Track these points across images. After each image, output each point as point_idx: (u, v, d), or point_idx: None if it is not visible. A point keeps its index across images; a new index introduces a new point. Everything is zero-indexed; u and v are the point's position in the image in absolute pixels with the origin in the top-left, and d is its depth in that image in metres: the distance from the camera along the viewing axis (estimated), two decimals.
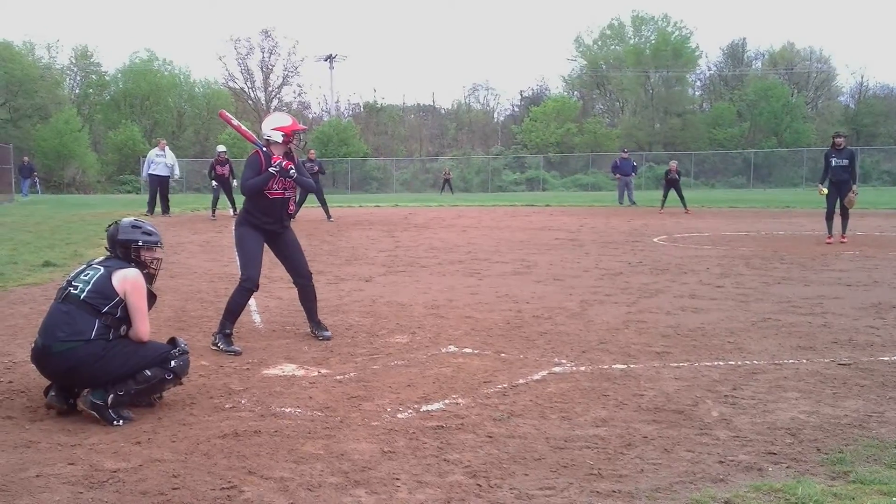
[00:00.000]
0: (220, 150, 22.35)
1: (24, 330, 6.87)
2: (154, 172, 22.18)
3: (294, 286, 6.86)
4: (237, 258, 6.63)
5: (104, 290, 4.66)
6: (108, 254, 5.00)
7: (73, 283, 4.72)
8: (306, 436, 4.23)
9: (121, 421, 4.46)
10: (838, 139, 14.95)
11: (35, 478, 3.64)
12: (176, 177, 22.64)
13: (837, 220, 14.68)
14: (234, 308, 6.37)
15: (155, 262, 5.05)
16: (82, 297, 4.62)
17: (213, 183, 22.18)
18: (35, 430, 4.35)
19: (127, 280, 4.72)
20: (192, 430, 4.33)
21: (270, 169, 6.32)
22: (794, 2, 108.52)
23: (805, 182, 49.70)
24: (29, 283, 9.47)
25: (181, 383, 4.87)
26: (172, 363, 4.69)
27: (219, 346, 6.18)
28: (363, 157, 57.98)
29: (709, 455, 3.95)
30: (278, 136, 6.39)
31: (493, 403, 4.83)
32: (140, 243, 4.95)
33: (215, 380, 5.38)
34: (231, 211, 21.81)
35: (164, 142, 23.51)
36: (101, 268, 4.78)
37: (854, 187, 14.62)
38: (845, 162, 14.59)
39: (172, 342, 4.85)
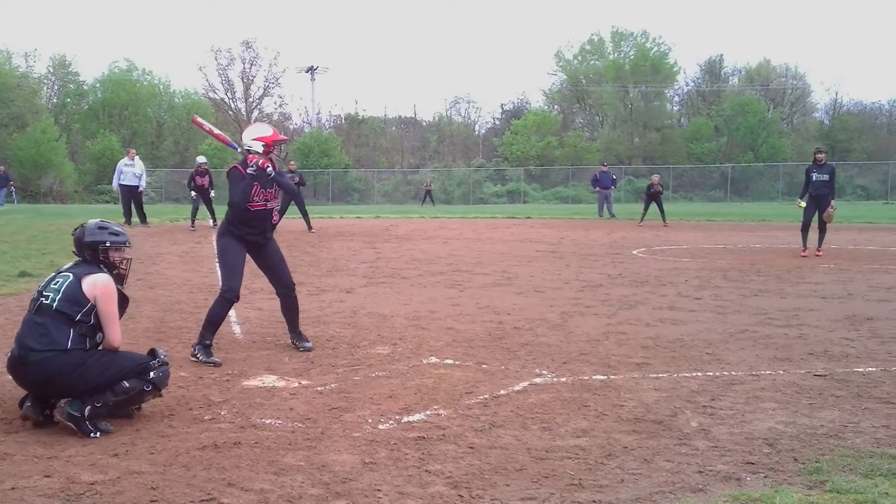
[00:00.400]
0: (200, 161, 22.23)
1: None
2: (124, 183, 21.88)
3: (276, 297, 6.84)
4: (218, 269, 6.60)
5: (75, 296, 4.62)
6: (76, 259, 4.93)
7: (44, 294, 4.67)
8: (287, 447, 4.21)
9: (98, 433, 4.42)
10: (819, 155, 15.17)
11: (10, 490, 3.60)
12: (141, 188, 22.32)
13: (813, 234, 14.83)
14: (215, 319, 6.34)
15: (124, 262, 4.98)
16: (55, 306, 4.58)
17: (193, 193, 22.06)
18: (10, 441, 4.30)
19: (97, 285, 4.67)
20: (171, 441, 4.30)
21: (248, 170, 6.28)
22: (770, 19, 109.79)
23: (781, 196, 50.22)
24: (4, 294, 9.37)
25: (160, 395, 4.83)
26: (151, 374, 4.64)
27: (198, 357, 6.15)
28: (344, 169, 57.87)
29: (688, 465, 3.98)
30: (259, 147, 6.36)
31: (475, 414, 4.84)
32: (108, 244, 4.88)
33: (195, 391, 5.35)
34: (210, 222, 21.69)
35: (134, 151, 23.20)
36: (70, 274, 4.73)
37: (833, 202, 14.81)
38: (826, 177, 14.79)
39: (152, 353, 4.79)
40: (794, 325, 7.83)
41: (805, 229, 14.94)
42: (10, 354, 4.66)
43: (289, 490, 3.63)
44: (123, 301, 4.89)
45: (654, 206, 25.28)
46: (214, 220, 21.67)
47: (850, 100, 78.85)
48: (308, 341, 6.73)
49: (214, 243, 6.69)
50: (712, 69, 72.58)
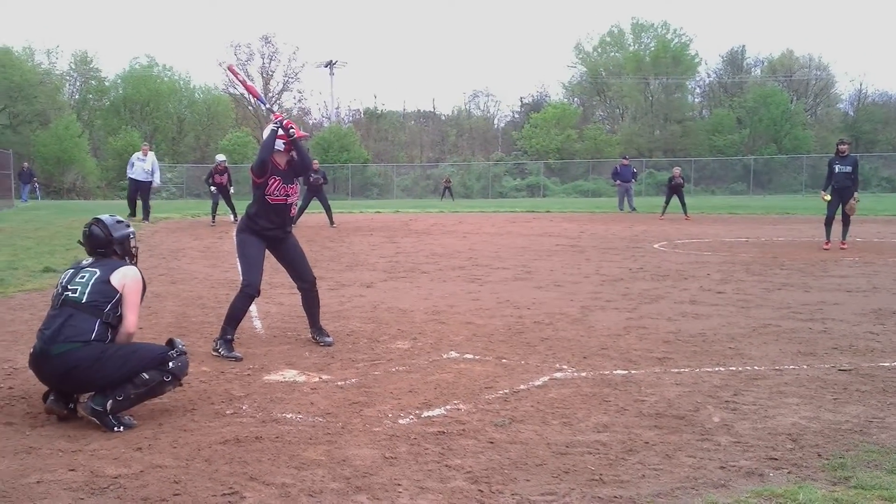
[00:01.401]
0: (219, 159, 22.30)
1: (24, 336, 6.87)
2: (132, 176, 21.76)
3: (297, 291, 6.86)
4: (238, 264, 6.63)
5: (104, 289, 4.70)
6: (93, 257, 4.99)
7: (69, 288, 4.72)
8: (308, 442, 4.23)
9: (121, 427, 4.46)
10: (842, 146, 14.98)
11: (36, 484, 3.64)
12: (155, 185, 22.19)
13: (836, 227, 14.70)
14: (236, 314, 6.37)
15: (136, 247, 5.22)
16: (84, 299, 4.64)
17: (212, 188, 22.14)
18: (36, 435, 4.35)
19: (127, 276, 4.79)
20: (193, 436, 4.33)
21: (271, 126, 6.35)
22: (793, 9, 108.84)
23: (805, 188, 49.76)
24: (29, 289, 9.46)
25: (181, 385, 4.87)
26: (170, 365, 4.67)
27: (220, 352, 6.18)
28: (364, 164, 58.01)
29: (710, 461, 3.95)
30: (280, 144, 6.39)
31: (495, 409, 4.83)
32: (132, 234, 5.12)
33: (216, 386, 5.38)
34: (231, 217, 21.81)
35: (147, 146, 23.14)
36: (97, 270, 4.81)
37: (855, 194, 14.67)
38: (848, 168, 14.62)
39: (170, 343, 4.84)
40: (819, 319, 7.76)
41: (829, 223, 14.83)
42: (32, 350, 4.71)
43: (310, 484, 3.64)
44: (143, 290, 4.98)
45: (675, 200, 25.11)
46: (235, 216, 21.75)
47: (875, 90, 78.37)
48: (329, 336, 6.74)
49: (234, 239, 6.72)
50: (734, 60, 72.04)
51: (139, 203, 21.41)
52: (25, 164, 42.27)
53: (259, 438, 4.26)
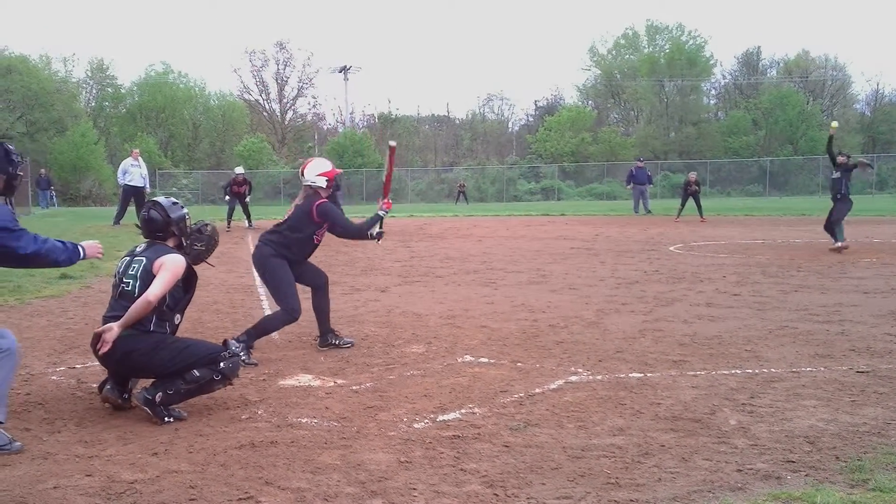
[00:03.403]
0: (238, 171, 22.37)
1: (41, 342, 6.92)
2: (130, 183, 21.72)
3: (311, 296, 6.87)
4: (272, 288, 6.67)
5: (150, 279, 4.81)
6: (148, 240, 5.12)
7: (124, 280, 4.89)
8: (323, 446, 4.23)
9: (171, 419, 4.67)
10: (841, 158, 14.55)
11: (53, 489, 3.66)
12: (148, 190, 22.25)
13: (845, 228, 14.47)
14: (268, 330, 6.53)
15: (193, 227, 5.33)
16: (136, 293, 4.77)
17: (226, 197, 22.27)
18: (53, 441, 4.37)
19: (165, 262, 4.86)
20: (208, 440, 4.35)
21: (381, 213, 6.74)
22: (808, 10, 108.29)
23: (821, 190, 49.37)
24: (46, 296, 9.54)
25: (231, 384, 4.98)
26: (221, 364, 4.82)
27: (240, 357, 6.17)
28: (378, 168, 58.04)
29: (727, 463, 3.93)
30: (322, 182, 6.63)
31: (510, 413, 4.82)
32: (188, 215, 5.20)
33: (232, 391, 5.38)
34: (246, 223, 21.89)
35: (138, 151, 23.16)
36: (144, 258, 4.94)
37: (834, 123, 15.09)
38: (838, 174, 14.45)
39: (224, 344, 5.11)
40: (836, 320, 7.71)
41: (828, 229, 14.56)
42: (94, 332, 4.79)
43: (325, 489, 3.64)
44: (193, 277, 5.09)
45: (690, 202, 25.01)
46: (250, 222, 21.84)
47: (892, 90, 77.97)
48: (346, 337, 6.90)
49: (262, 261, 6.63)
50: (750, 61, 71.74)
51: (131, 210, 21.40)
52: (43, 170, 42.57)
53: (274, 443, 4.27)
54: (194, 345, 4.93)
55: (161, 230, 5.07)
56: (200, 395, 4.89)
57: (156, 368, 4.75)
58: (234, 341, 6.01)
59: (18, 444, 4.20)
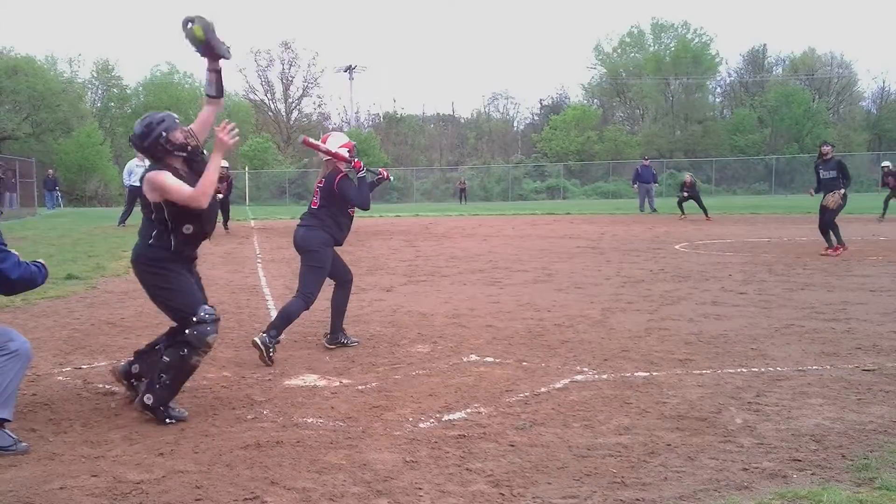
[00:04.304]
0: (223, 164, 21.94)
1: (47, 343, 6.93)
2: (135, 183, 21.49)
3: (336, 288, 6.88)
4: (308, 270, 6.51)
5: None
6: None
7: None
8: (328, 446, 4.23)
9: (172, 419, 4.64)
10: (824, 148, 13.77)
11: (59, 490, 3.66)
12: None
13: (853, 227, 14.20)
14: (291, 317, 6.46)
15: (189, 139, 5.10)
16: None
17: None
18: (58, 442, 4.38)
19: (145, 183, 4.81)
20: (214, 441, 4.35)
21: (363, 174, 6.63)
22: (814, 7, 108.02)
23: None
24: (52, 296, 9.54)
25: (204, 352, 4.77)
26: (186, 332, 4.69)
27: (270, 351, 6.16)
28: (384, 167, 58.09)
29: (733, 462, 3.92)
30: (345, 152, 6.60)
31: (515, 412, 4.82)
32: (164, 134, 4.84)
33: (237, 391, 5.40)
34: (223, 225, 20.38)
35: None
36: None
37: (842, 191, 13.35)
38: (833, 173, 13.35)
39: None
40: (842, 318, 7.69)
41: (823, 231, 13.69)
42: None
43: (330, 488, 3.64)
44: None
45: (693, 202, 24.93)
46: (226, 224, 20.73)
47: None
48: (352, 336, 6.91)
49: (314, 245, 6.50)
50: (755, 59, 71.68)
51: (136, 211, 21.29)
52: (50, 171, 42.67)
53: (280, 443, 4.27)
54: (180, 292, 4.76)
55: (143, 149, 4.92)
56: (189, 377, 4.82)
57: (149, 289, 4.82)
58: (263, 336, 6.07)
59: (24, 444, 4.20)
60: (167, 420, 4.61)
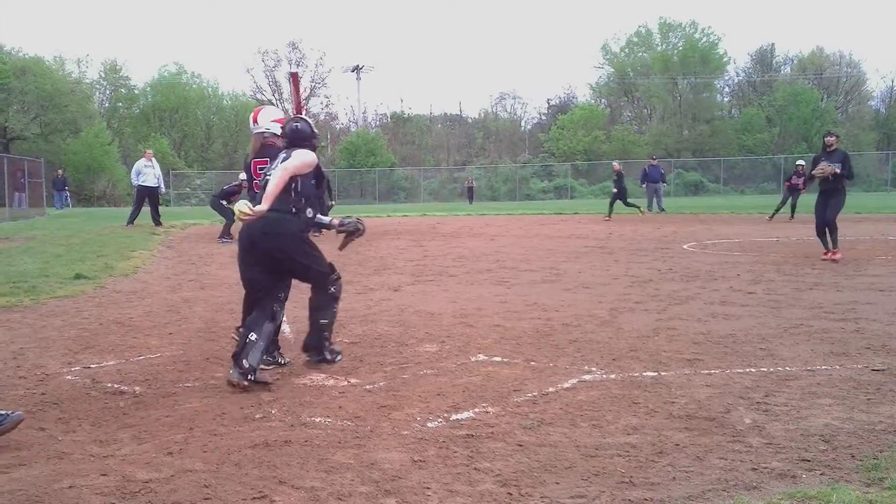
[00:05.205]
0: (242, 178, 22.14)
1: (56, 342, 6.96)
2: (144, 183, 21.73)
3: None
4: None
5: None
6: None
7: (268, 175, 5.77)
8: (336, 445, 4.24)
9: (338, 356, 6.06)
10: (829, 139, 12.86)
11: (68, 489, 3.67)
12: (163, 190, 22.31)
13: (861, 226, 14.14)
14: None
15: None
16: None
17: (224, 202, 21.83)
18: (68, 441, 4.39)
19: (297, 151, 5.77)
20: (223, 440, 4.35)
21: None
22: (822, 6, 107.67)
23: None
24: (61, 296, 9.58)
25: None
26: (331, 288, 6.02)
27: (334, 359, 6.11)
28: (391, 167, 58.14)
29: (742, 462, 3.91)
30: (277, 129, 6.30)
31: (523, 412, 4.81)
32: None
33: (246, 390, 5.41)
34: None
35: (151, 152, 23.08)
36: (285, 155, 5.80)
37: (836, 168, 12.39)
38: (837, 166, 12.47)
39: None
40: (851, 318, 7.66)
41: (820, 233, 12.82)
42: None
43: (339, 488, 3.64)
44: (322, 178, 6.22)
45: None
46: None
47: None
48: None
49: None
50: (763, 58, 71.50)
51: (145, 211, 21.45)
52: (60, 171, 42.81)
53: (288, 442, 4.27)
54: (321, 256, 5.87)
55: (306, 139, 5.79)
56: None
57: (296, 256, 5.68)
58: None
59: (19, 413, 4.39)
60: (338, 358, 6.02)
